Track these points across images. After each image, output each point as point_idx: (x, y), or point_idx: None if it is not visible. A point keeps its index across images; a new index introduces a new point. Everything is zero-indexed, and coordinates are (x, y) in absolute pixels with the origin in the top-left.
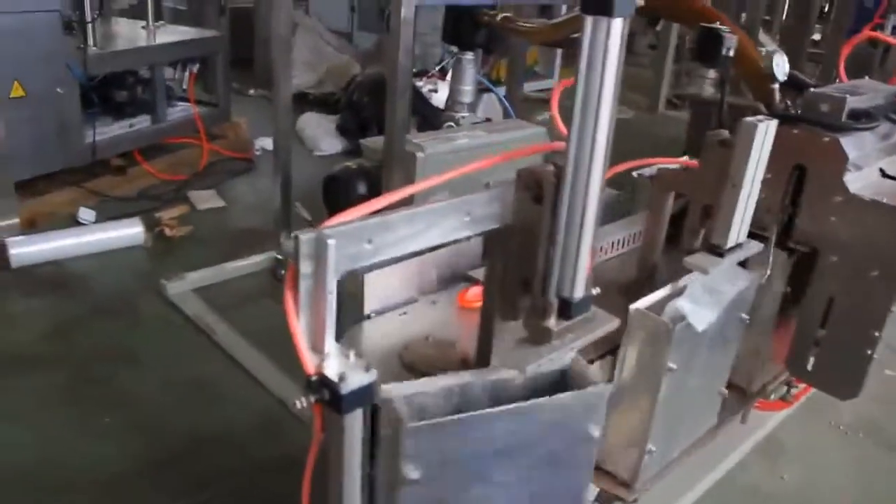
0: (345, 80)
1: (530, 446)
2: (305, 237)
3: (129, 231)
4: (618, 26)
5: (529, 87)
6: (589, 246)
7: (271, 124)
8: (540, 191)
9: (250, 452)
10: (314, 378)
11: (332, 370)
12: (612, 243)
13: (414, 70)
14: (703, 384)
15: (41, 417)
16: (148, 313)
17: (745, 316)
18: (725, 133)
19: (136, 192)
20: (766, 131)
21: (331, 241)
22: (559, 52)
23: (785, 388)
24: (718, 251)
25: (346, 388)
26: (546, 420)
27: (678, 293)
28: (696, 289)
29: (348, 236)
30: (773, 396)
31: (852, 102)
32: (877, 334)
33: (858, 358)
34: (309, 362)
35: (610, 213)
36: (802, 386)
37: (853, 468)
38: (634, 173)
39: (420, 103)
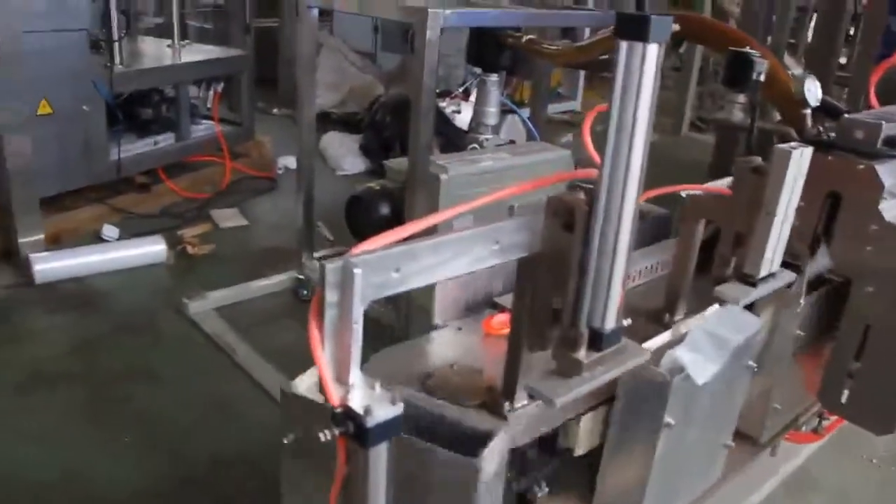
0: (368, 101)
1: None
2: (332, 266)
3: (152, 249)
4: (653, 52)
5: (553, 109)
6: (622, 276)
7: (295, 143)
8: (571, 218)
9: (270, 474)
10: (339, 410)
11: (357, 402)
12: (640, 270)
13: (437, 91)
14: (706, 437)
15: (62, 435)
16: (169, 331)
17: (752, 364)
18: (758, 160)
19: (160, 209)
20: (800, 158)
21: (357, 271)
22: (582, 74)
23: (817, 419)
24: (751, 281)
25: (371, 422)
26: (426, 472)
27: (678, 341)
28: (698, 337)
29: (375, 265)
30: (804, 428)
31: (888, 129)
32: None
33: (895, 391)
34: (334, 394)
35: (663, 231)
36: (834, 418)
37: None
38: (683, 193)
39: (443, 124)
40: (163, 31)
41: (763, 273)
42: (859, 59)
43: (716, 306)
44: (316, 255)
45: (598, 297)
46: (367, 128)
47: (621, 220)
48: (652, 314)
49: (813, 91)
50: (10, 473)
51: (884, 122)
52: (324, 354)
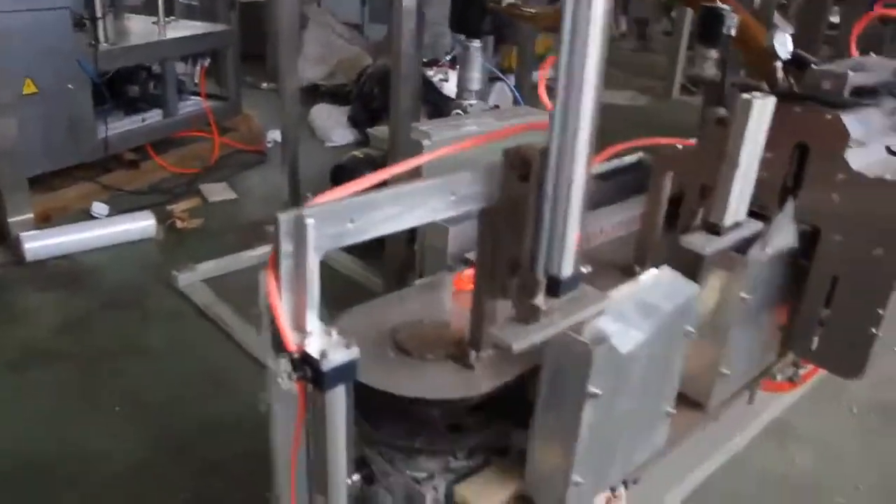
0: (356, 72)
1: None
2: (285, 217)
3: (141, 224)
4: None
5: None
6: (576, 223)
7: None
8: (526, 169)
9: (261, 440)
10: (296, 356)
11: (313, 348)
12: (615, 224)
13: (424, 60)
14: (643, 405)
15: (55, 410)
16: (159, 305)
17: (690, 329)
18: (722, 111)
19: (149, 185)
20: (762, 108)
21: (310, 221)
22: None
23: (793, 368)
24: (716, 230)
25: (327, 365)
26: None
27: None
28: (624, 304)
29: (330, 216)
30: (779, 377)
31: (855, 79)
32: (881, 312)
33: (863, 337)
34: (291, 340)
35: None
36: (810, 367)
37: (867, 450)
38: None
39: (431, 93)
40: (150, 9)
41: (728, 222)
42: (847, 15)
43: (652, 271)
44: None
45: (553, 244)
46: (355, 99)
47: (574, 168)
48: (623, 267)
49: (783, 44)
50: (6, 449)
51: (850, 72)
52: (281, 303)
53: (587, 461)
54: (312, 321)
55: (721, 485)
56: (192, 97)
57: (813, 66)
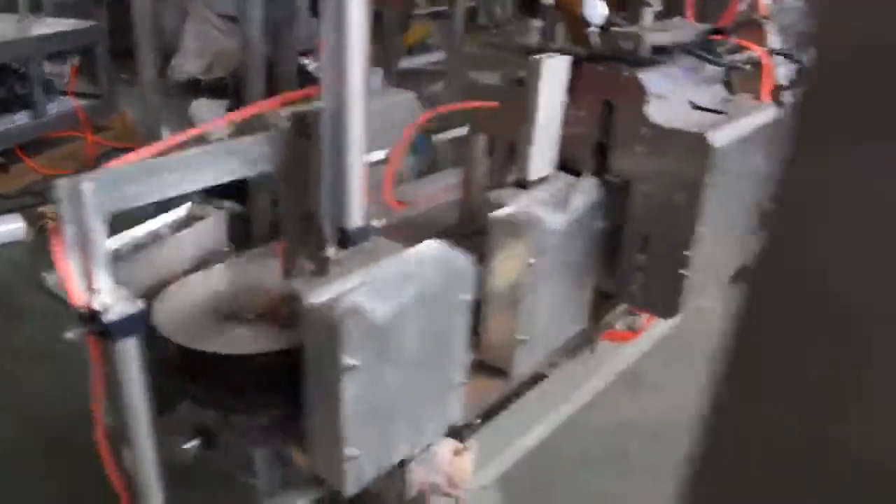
0: (233, 65)
1: None
2: (62, 183)
3: (9, 227)
4: None
5: (424, 61)
6: (359, 176)
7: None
8: (307, 128)
9: None
10: (83, 311)
11: (98, 303)
12: (446, 188)
13: (301, 49)
14: (422, 376)
15: None
16: (31, 305)
17: (467, 298)
18: (522, 72)
19: (18, 189)
20: (553, 67)
21: (86, 186)
22: (458, 24)
23: (631, 317)
24: (522, 184)
25: (110, 318)
26: None
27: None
28: (383, 276)
29: (110, 181)
30: (618, 326)
31: (653, 38)
32: (687, 254)
33: (674, 279)
34: (77, 296)
35: None
36: (647, 316)
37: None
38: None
39: (307, 81)
40: (15, 7)
41: (534, 176)
42: None
43: (425, 242)
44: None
45: (338, 197)
46: (233, 92)
47: (349, 127)
48: (449, 229)
49: (594, 10)
50: None
51: (647, 33)
52: (67, 263)
53: (361, 434)
54: (101, 279)
55: (571, 433)
56: (63, 96)
57: (613, 28)
